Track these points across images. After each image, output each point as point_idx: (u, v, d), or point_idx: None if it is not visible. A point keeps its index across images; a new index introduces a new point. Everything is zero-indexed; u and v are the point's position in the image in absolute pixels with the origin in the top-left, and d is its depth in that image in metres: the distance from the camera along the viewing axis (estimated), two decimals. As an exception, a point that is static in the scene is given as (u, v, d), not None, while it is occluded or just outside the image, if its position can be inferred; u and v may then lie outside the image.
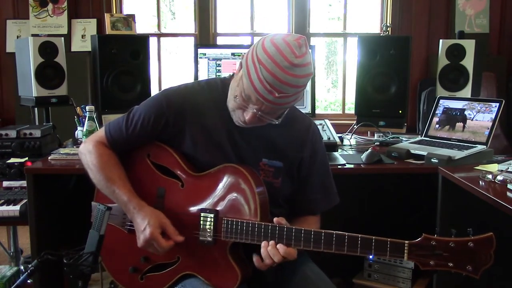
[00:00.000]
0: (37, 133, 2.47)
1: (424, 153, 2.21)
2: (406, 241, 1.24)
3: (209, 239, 1.43)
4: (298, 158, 1.55)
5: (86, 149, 1.56)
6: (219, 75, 2.70)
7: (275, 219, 1.38)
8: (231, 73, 1.55)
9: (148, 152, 1.56)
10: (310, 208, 1.60)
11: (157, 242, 1.41)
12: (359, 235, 1.28)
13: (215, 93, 1.51)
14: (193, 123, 1.49)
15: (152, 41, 4.28)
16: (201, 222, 1.44)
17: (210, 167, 1.48)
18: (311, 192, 1.59)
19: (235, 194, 1.42)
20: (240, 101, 1.38)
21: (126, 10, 4.78)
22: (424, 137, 2.52)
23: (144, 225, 1.42)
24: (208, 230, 1.43)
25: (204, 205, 1.45)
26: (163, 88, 4.77)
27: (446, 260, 1.20)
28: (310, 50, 1.35)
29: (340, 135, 2.65)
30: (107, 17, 3.21)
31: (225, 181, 1.44)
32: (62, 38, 3.02)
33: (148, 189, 1.51)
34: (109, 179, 1.50)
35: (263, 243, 1.36)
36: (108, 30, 3.18)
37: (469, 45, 2.92)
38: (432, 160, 2.14)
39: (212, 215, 1.43)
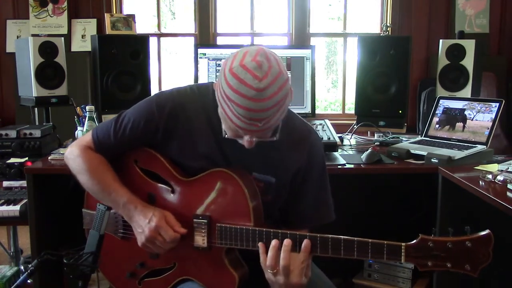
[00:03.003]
0: (37, 133, 2.47)
1: (424, 153, 2.21)
2: (402, 243, 1.21)
3: (204, 245, 1.40)
4: (291, 172, 1.49)
5: (74, 154, 1.51)
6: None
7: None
8: None
9: (135, 158, 1.52)
10: (299, 223, 1.51)
11: (164, 230, 1.37)
12: (355, 239, 1.26)
13: (206, 100, 1.46)
14: (183, 130, 1.45)
15: (152, 41, 4.28)
16: (195, 228, 1.41)
17: (198, 173, 1.44)
18: (302, 208, 1.52)
19: (227, 199, 1.39)
20: (231, 135, 1.33)
21: (126, 10, 4.78)
22: (424, 137, 2.52)
23: (149, 217, 1.38)
24: (202, 237, 1.40)
25: (196, 211, 1.42)
26: (163, 88, 4.81)
27: (444, 261, 1.18)
28: (274, 58, 1.26)
29: (340, 135, 2.65)
30: (107, 17, 3.22)
31: (216, 186, 1.40)
32: (62, 38, 3.03)
33: (138, 195, 1.47)
34: (103, 183, 1.46)
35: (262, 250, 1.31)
36: (108, 30, 3.19)
37: (469, 45, 2.92)
38: (432, 160, 2.15)
39: (205, 221, 1.40)
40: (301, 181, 1.51)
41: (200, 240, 1.41)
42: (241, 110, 1.22)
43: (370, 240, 1.24)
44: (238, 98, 1.21)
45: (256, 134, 1.29)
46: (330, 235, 1.29)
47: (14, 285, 1.45)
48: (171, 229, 1.38)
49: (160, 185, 1.49)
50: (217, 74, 2.71)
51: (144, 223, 1.39)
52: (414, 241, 1.21)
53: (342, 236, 1.28)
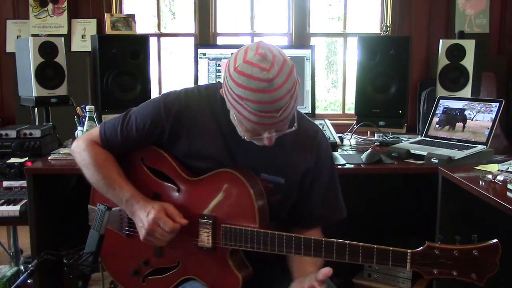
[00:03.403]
0: (37, 133, 2.47)
1: (424, 153, 2.21)
2: (408, 250, 1.21)
3: (208, 245, 1.41)
4: (301, 172, 1.49)
5: (80, 148, 1.52)
6: (219, 75, 2.70)
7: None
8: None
9: (141, 156, 1.52)
10: (310, 222, 1.53)
11: (163, 222, 1.37)
12: (361, 244, 1.25)
13: (213, 101, 1.45)
14: (189, 132, 1.45)
15: (152, 41, 4.28)
16: (199, 228, 1.41)
17: (204, 173, 1.45)
18: (312, 208, 1.52)
19: (232, 200, 1.39)
20: (250, 137, 1.33)
21: (126, 10, 4.78)
22: (424, 137, 2.52)
23: (148, 210, 1.39)
24: (207, 237, 1.40)
25: (201, 211, 1.42)
26: (163, 88, 4.81)
27: (450, 269, 1.17)
28: (275, 48, 1.26)
29: (340, 135, 2.65)
30: (107, 17, 3.22)
31: (222, 186, 1.40)
32: (62, 38, 3.03)
33: (144, 193, 1.47)
34: (108, 178, 1.47)
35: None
36: (108, 30, 3.19)
37: (469, 45, 2.92)
38: (432, 160, 2.14)
39: (210, 221, 1.40)
40: (311, 181, 1.51)
41: (205, 240, 1.41)
42: (256, 105, 1.21)
43: (375, 246, 1.23)
44: (250, 94, 1.21)
45: (275, 127, 1.28)
46: (335, 240, 1.29)
47: (14, 285, 1.45)
48: (170, 220, 1.38)
49: (166, 183, 1.49)
50: (217, 74, 2.71)
51: (143, 216, 1.40)
52: (420, 248, 1.20)
53: (347, 241, 1.27)
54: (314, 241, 1.30)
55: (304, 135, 1.49)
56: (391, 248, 1.22)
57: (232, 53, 1.30)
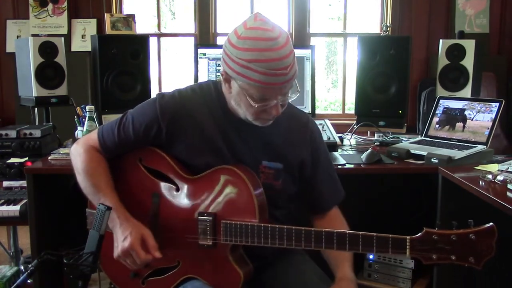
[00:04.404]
0: (37, 133, 2.47)
1: (424, 153, 2.21)
2: (407, 237, 1.23)
3: (209, 243, 1.41)
4: (298, 158, 1.53)
5: (77, 152, 1.53)
6: (219, 75, 2.70)
7: None
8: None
9: (140, 156, 1.53)
10: (321, 205, 1.60)
11: (136, 253, 1.38)
12: (360, 233, 1.28)
13: (208, 97, 1.48)
14: (187, 130, 1.46)
15: (152, 41, 4.28)
16: (199, 226, 1.42)
17: (204, 171, 1.46)
18: (320, 191, 1.59)
19: (232, 196, 1.40)
20: (260, 107, 1.34)
21: (126, 10, 4.78)
22: (424, 137, 2.52)
23: (125, 235, 1.40)
24: (207, 234, 1.41)
25: (201, 208, 1.43)
26: (163, 88, 4.81)
27: (448, 253, 1.19)
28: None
29: (340, 135, 2.65)
30: (107, 17, 3.22)
31: (221, 183, 1.42)
32: (62, 38, 3.03)
33: (143, 194, 1.49)
34: (95, 186, 1.47)
35: None
36: (108, 30, 3.19)
37: (469, 45, 2.92)
38: (432, 160, 2.14)
39: (210, 218, 1.41)
40: (312, 168, 1.56)
41: (205, 237, 1.42)
42: (265, 63, 1.27)
43: (375, 234, 1.26)
44: (259, 54, 1.27)
45: (284, 87, 1.32)
46: (335, 230, 1.31)
47: (14, 285, 1.45)
48: (143, 253, 1.39)
49: (164, 183, 1.50)
50: (217, 74, 2.70)
51: (120, 239, 1.41)
52: (419, 234, 1.23)
53: (347, 231, 1.30)
54: (315, 232, 1.33)
55: (296, 122, 1.55)
56: (390, 236, 1.25)
57: (229, 32, 1.35)
